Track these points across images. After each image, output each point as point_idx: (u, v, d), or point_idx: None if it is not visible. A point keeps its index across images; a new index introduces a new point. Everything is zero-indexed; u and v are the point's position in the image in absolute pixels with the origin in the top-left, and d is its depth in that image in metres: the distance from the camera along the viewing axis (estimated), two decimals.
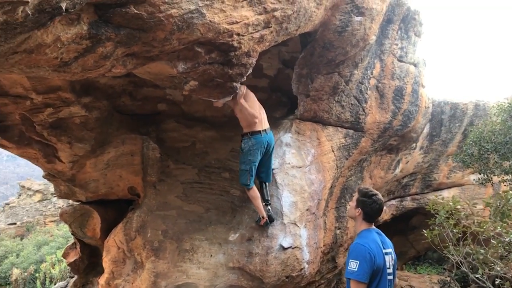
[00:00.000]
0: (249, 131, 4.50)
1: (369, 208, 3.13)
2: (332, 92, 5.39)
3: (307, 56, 5.03)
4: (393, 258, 3.15)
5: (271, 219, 4.56)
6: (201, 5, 2.91)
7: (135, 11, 2.64)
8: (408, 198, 8.43)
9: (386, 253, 3.05)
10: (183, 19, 2.88)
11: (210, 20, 3.06)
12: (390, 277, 3.04)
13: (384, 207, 7.90)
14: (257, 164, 4.53)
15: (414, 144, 7.29)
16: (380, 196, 3.18)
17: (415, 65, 6.24)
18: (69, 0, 2.28)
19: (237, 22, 3.32)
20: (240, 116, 4.53)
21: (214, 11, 3.05)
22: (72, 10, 2.36)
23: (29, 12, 2.13)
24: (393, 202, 8.32)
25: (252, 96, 4.63)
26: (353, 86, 5.49)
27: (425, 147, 7.79)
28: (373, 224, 3.22)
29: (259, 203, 4.52)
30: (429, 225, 4.17)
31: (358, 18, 4.66)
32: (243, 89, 4.44)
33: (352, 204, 3.28)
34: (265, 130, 4.59)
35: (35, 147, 4.83)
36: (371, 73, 5.63)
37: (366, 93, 5.68)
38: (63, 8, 2.26)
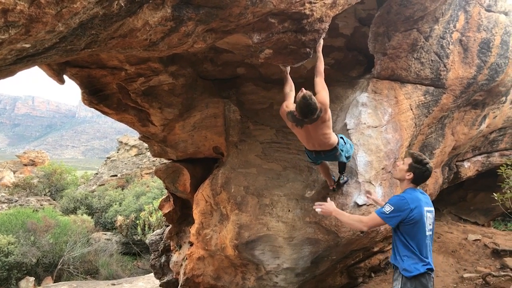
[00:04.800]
0: None
1: (421, 175, 3.46)
2: (411, 49, 5.26)
3: (384, 14, 4.94)
4: (433, 216, 3.50)
5: (338, 185, 4.83)
6: None
7: None
8: (496, 154, 8.05)
9: (428, 211, 3.41)
10: None
11: None
12: (430, 232, 3.43)
13: (469, 164, 7.70)
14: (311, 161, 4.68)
15: (503, 98, 6.86)
16: (431, 164, 3.50)
17: (506, 14, 5.79)
18: None
19: None
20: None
21: None
22: None
23: (122, 4, 2.45)
24: (479, 158, 8.00)
25: None
26: (433, 41, 5.30)
27: None
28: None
29: (325, 175, 4.79)
30: (501, 188, 4.08)
31: None
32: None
33: (403, 166, 3.53)
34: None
35: (131, 112, 5.39)
36: (454, 26, 5.36)
37: (448, 48, 5.45)
38: None
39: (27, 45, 2.20)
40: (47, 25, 2.08)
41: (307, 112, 3.84)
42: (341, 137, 4.40)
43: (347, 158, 4.51)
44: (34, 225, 15.47)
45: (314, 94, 3.97)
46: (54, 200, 26.79)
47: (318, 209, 3.85)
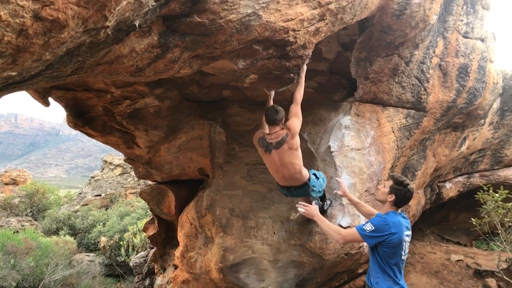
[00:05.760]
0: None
1: (403, 197, 3.46)
2: (392, 73, 5.41)
3: (365, 40, 5.08)
4: (409, 239, 3.51)
5: (322, 211, 4.78)
6: (257, 8, 3.15)
7: (198, 19, 2.94)
8: (476, 174, 8.21)
9: (407, 235, 3.42)
10: (241, 22, 3.13)
11: (266, 20, 3.29)
12: (404, 256, 3.44)
13: (450, 184, 7.83)
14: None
15: (482, 121, 7.06)
16: (412, 185, 3.51)
17: (482, 40, 6.00)
18: (141, 17, 2.62)
19: (292, 19, 3.51)
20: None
21: (270, 12, 3.27)
22: (144, 25, 2.72)
23: (109, 32, 2.49)
24: (460, 179, 8.15)
25: None
26: (414, 66, 5.46)
27: (495, 122, 7.50)
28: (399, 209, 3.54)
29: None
30: (479, 213, 4.18)
31: (417, 0, 4.61)
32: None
33: (384, 189, 3.57)
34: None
35: (116, 135, 5.39)
36: (433, 52, 5.54)
37: (428, 73, 5.61)
38: (137, 25, 2.61)
39: (13, 73, 2.23)
40: (34, 54, 2.11)
41: (271, 112, 4.00)
42: (314, 173, 4.39)
43: (320, 192, 4.49)
44: (14, 247, 15.06)
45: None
46: (35, 220, 26.21)
47: (301, 209, 3.84)
